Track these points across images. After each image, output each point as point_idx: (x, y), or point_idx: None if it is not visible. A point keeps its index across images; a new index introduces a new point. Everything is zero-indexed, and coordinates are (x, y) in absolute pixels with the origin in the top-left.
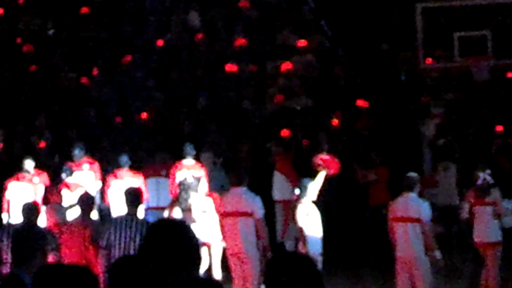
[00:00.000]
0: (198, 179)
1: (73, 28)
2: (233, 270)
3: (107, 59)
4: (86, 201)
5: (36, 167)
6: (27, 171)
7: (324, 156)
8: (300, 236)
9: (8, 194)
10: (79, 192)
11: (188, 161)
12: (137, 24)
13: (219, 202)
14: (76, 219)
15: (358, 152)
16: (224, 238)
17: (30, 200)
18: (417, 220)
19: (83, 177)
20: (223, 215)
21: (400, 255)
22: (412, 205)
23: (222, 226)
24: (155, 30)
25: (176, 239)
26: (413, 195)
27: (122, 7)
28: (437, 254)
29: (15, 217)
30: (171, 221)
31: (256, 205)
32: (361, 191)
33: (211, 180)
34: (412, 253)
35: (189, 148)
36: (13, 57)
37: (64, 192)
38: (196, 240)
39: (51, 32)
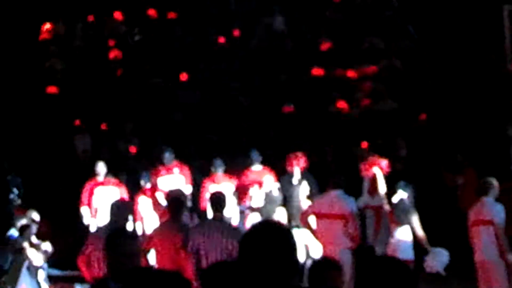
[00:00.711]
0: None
1: (160, 33)
2: None
3: (193, 63)
4: (175, 205)
5: (123, 172)
6: (103, 175)
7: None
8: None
9: (94, 199)
10: (159, 197)
11: (256, 167)
12: (223, 28)
13: (312, 204)
14: (166, 223)
15: (445, 155)
16: (317, 238)
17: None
18: (490, 222)
19: (174, 181)
20: (316, 216)
21: (476, 259)
22: (486, 208)
23: (312, 228)
24: (240, 34)
25: (276, 243)
26: (488, 199)
27: (207, 11)
28: (510, 257)
29: (102, 221)
30: (271, 223)
31: (349, 207)
32: (450, 195)
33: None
34: (485, 257)
35: (255, 155)
36: (101, 63)
37: (142, 199)
38: (296, 245)
39: (137, 37)
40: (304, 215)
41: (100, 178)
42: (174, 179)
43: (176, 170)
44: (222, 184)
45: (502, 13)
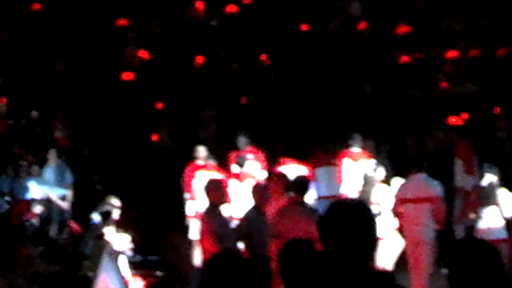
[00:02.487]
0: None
1: (236, 18)
2: (409, 255)
3: (272, 47)
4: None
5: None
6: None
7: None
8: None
9: (195, 183)
10: (249, 183)
11: (355, 150)
12: (299, 13)
13: (398, 189)
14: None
15: None
16: (401, 224)
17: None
18: None
19: (249, 167)
20: (403, 201)
21: None
22: None
23: (399, 213)
24: (318, 18)
25: (356, 221)
26: None
27: None
28: None
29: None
30: (351, 201)
31: (436, 191)
32: None
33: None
34: None
35: (357, 138)
36: (178, 49)
37: (233, 182)
38: (375, 224)
39: (214, 22)
40: (396, 205)
41: (201, 162)
42: (249, 164)
43: (250, 156)
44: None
45: None
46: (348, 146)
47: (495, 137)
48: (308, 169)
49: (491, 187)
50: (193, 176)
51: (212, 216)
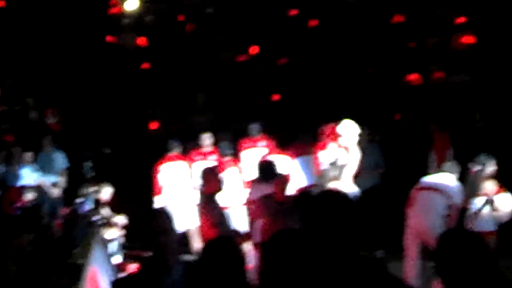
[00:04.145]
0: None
1: (232, 6)
2: (409, 245)
3: (263, 36)
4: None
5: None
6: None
7: None
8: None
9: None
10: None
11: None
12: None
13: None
14: None
15: None
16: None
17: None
18: None
19: (258, 154)
20: (417, 189)
21: None
22: None
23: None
24: (309, 7)
25: (340, 212)
26: None
27: None
28: None
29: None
30: (335, 192)
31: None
32: None
33: (367, 156)
34: None
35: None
36: (174, 35)
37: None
38: (359, 215)
39: (210, 9)
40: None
41: (207, 149)
42: (259, 152)
43: (261, 143)
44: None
45: None
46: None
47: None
48: (289, 159)
49: (477, 177)
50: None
51: (210, 207)
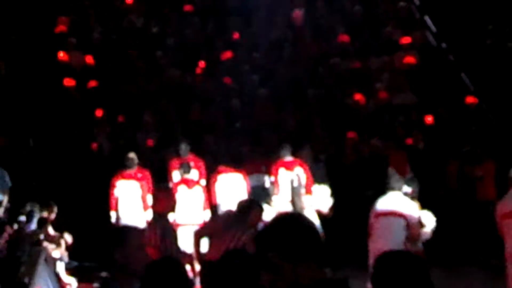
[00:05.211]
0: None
1: (177, 26)
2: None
3: (211, 55)
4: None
5: (140, 164)
6: (131, 166)
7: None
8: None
9: (116, 192)
10: (196, 190)
11: (288, 159)
12: (241, 21)
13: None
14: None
15: (463, 148)
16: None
17: (136, 197)
18: None
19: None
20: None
21: (509, 252)
22: None
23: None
24: (259, 26)
25: (298, 232)
26: None
27: (225, 4)
28: None
29: (123, 215)
30: (291, 214)
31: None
32: (469, 187)
33: (312, 175)
34: None
35: (286, 147)
36: (119, 55)
37: (182, 188)
38: (318, 232)
39: (155, 29)
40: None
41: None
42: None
43: (191, 163)
44: (229, 175)
45: None
46: (280, 156)
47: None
48: (244, 176)
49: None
50: (114, 186)
51: (156, 226)
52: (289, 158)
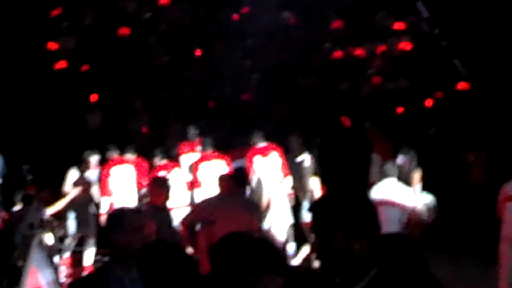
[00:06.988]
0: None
1: (169, 11)
2: None
3: (203, 41)
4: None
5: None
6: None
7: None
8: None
9: (111, 178)
10: (176, 173)
11: (262, 144)
12: (233, 6)
13: None
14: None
15: (457, 134)
16: None
17: (130, 183)
18: None
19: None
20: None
21: (506, 233)
22: None
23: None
24: (250, 12)
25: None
26: None
27: None
28: None
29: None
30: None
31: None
32: (461, 173)
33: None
34: None
35: (258, 134)
36: (110, 41)
37: (162, 173)
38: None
39: (147, 15)
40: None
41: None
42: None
43: (199, 148)
44: (212, 162)
45: None
46: (253, 143)
47: (426, 134)
48: (227, 163)
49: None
50: (108, 173)
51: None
52: (262, 144)
